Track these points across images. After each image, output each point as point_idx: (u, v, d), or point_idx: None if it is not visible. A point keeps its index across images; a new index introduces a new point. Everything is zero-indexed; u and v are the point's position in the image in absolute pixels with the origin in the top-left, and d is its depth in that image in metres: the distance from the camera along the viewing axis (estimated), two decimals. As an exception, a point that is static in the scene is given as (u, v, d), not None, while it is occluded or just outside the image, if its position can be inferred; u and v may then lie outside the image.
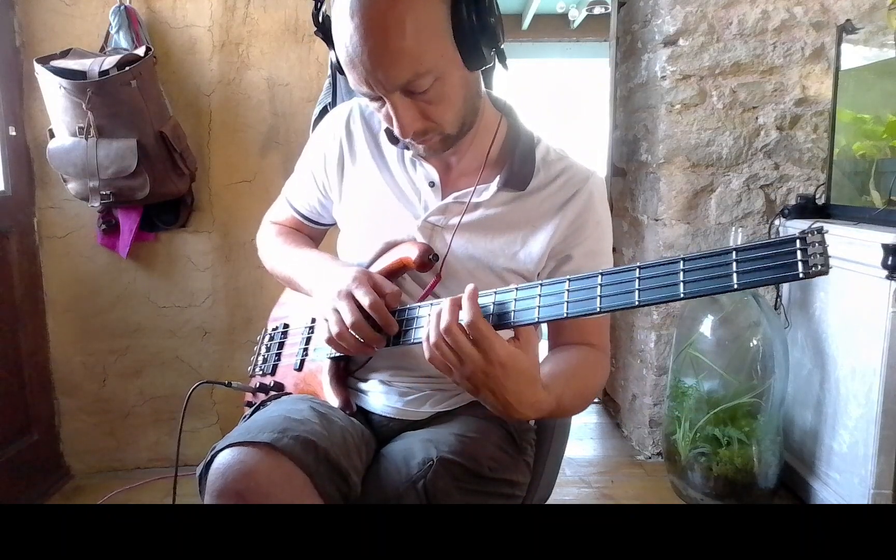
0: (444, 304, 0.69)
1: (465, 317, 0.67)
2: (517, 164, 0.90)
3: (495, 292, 0.73)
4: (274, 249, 1.06)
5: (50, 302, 2.08)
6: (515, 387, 0.69)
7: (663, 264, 0.58)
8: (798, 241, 0.50)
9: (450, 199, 0.90)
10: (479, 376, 0.68)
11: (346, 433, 0.84)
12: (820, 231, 0.50)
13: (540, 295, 0.68)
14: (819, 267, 0.49)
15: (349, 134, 0.97)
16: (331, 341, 0.83)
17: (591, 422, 2.62)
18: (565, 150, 0.95)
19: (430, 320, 0.71)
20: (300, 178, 1.06)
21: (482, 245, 0.90)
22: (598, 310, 0.63)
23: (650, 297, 0.59)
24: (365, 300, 0.80)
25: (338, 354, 0.93)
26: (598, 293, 0.63)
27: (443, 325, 0.68)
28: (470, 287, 0.69)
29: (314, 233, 1.10)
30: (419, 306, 0.81)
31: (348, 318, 0.80)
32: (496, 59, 0.80)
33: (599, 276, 0.63)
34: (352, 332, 0.80)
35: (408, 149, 0.92)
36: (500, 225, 0.90)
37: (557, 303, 0.66)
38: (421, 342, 0.76)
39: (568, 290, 0.65)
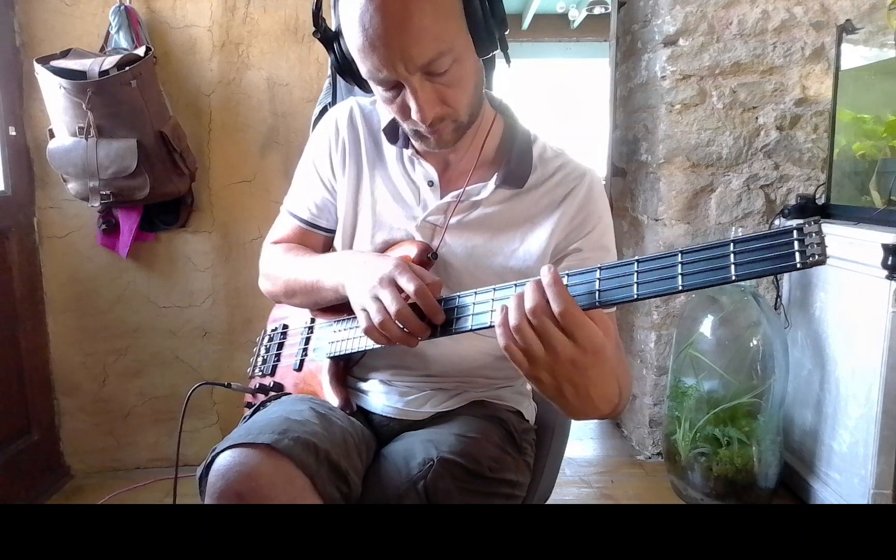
0: (527, 285, 0.63)
1: (555, 305, 0.61)
2: (514, 161, 0.90)
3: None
4: (286, 264, 0.99)
5: (50, 302, 2.08)
6: (601, 379, 0.64)
7: (661, 257, 0.58)
8: (795, 232, 0.51)
9: (449, 197, 0.90)
10: (566, 368, 0.61)
11: (347, 434, 0.84)
12: (817, 221, 0.50)
13: (474, 302, 0.68)
14: (816, 257, 0.49)
15: (352, 131, 0.97)
16: (371, 331, 0.79)
17: (591, 422, 2.62)
18: (562, 148, 0.95)
19: (508, 303, 0.64)
20: (302, 182, 1.02)
21: (481, 244, 0.90)
22: (598, 303, 0.62)
23: (649, 290, 0.59)
24: (410, 287, 0.75)
25: (337, 354, 0.93)
26: (597, 287, 0.63)
27: (529, 306, 0.61)
28: (549, 269, 0.62)
29: (321, 241, 1.04)
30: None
31: (392, 307, 0.75)
32: (500, 49, 0.79)
33: (598, 271, 0.63)
34: (396, 321, 0.76)
35: (407, 147, 0.92)
36: (498, 223, 0.90)
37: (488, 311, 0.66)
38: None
39: (567, 285, 0.65)
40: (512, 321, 0.62)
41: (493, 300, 0.72)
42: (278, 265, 1.00)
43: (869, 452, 1.62)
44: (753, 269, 0.53)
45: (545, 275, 0.62)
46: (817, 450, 1.86)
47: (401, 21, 0.70)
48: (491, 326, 0.70)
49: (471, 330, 0.73)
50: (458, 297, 0.76)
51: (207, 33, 2.00)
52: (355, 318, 0.92)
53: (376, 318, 0.76)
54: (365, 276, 0.80)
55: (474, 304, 0.74)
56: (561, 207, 0.89)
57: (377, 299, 0.77)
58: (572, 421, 1.12)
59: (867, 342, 1.62)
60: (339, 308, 0.95)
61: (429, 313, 0.75)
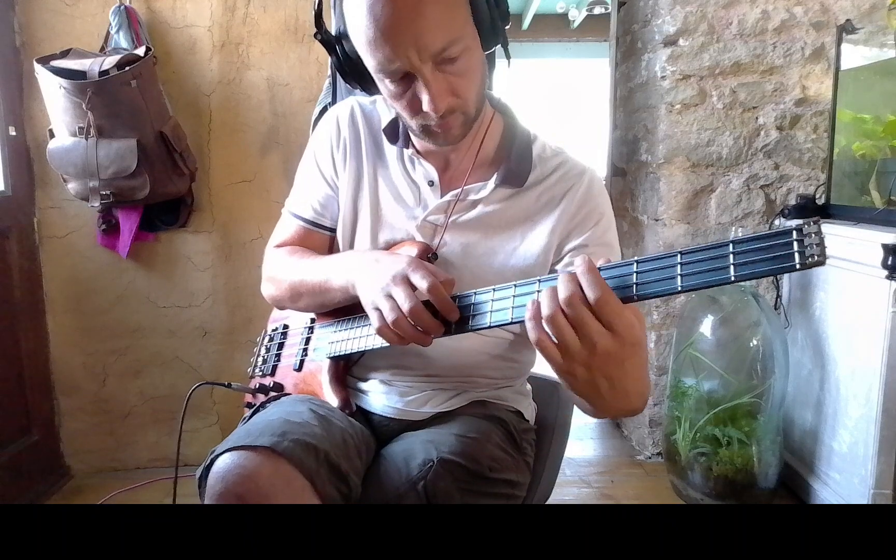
0: (561, 275, 0.60)
1: (591, 293, 0.58)
2: (514, 160, 0.90)
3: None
4: (291, 267, 0.96)
5: (50, 302, 2.08)
6: (636, 371, 0.61)
7: (660, 258, 0.58)
8: (794, 233, 0.51)
9: (448, 196, 0.90)
10: (602, 361, 0.59)
11: (346, 435, 0.84)
12: (816, 222, 0.50)
13: (538, 291, 0.67)
14: (815, 257, 0.49)
15: (353, 129, 0.97)
16: (383, 330, 0.77)
17: (591, 422, 2.61)
18: (562, 147, 0.95)
19: (540, 295, 0.61)
20: (304, 181, 1.01)
21: (481, 242, 0.90)
22: None
23: (648, 291, 0.59)
24: (423, 284, 0.73)
25: (337, 354, 0.93)
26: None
27: (563, 295, 0.58)
28: (584, 259, 0.60)
29: (325, 241, 1.01)
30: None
31: (406, 304, 0.73)
32: (502, 44, 0.80)
33: (537, 283, 0.62)
34: (409, 319, 0.74)
35: (407, 147, 0.92)
36: (498, 222, 0.90)
37: (506, 307, 0.65)
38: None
39: (514, 295, 0.64)
40: (545, 311, 0.59)
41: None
42: (283, 268, 0.98)
43: (869, 452, 1.62)
44: (753, 269, 0.53)
45: (579, 264, 0.60)
46: (817, 450, 1.86)
47: (412, 9, 0.70)
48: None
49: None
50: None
51: (207, 33, 2.00)
52: (356, 318, 0.92)
53: (390, 317, 0.75)
54: (377, 275, 0.79)
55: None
56: (561, 204, 0.89)
57: (390, 297, 0.75)
58: (572, 421, 1.13)
59: (867, 342, 1.62)
60: (346, 310, 0.94)
61: (443, 310, 0.74)
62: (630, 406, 0.65)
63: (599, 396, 0.62)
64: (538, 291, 0.65)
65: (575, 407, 1.14)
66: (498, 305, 0.71)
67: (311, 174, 1.00)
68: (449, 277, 0.77)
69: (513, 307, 0.69)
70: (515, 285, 0.70)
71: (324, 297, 0.91)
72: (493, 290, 0.72)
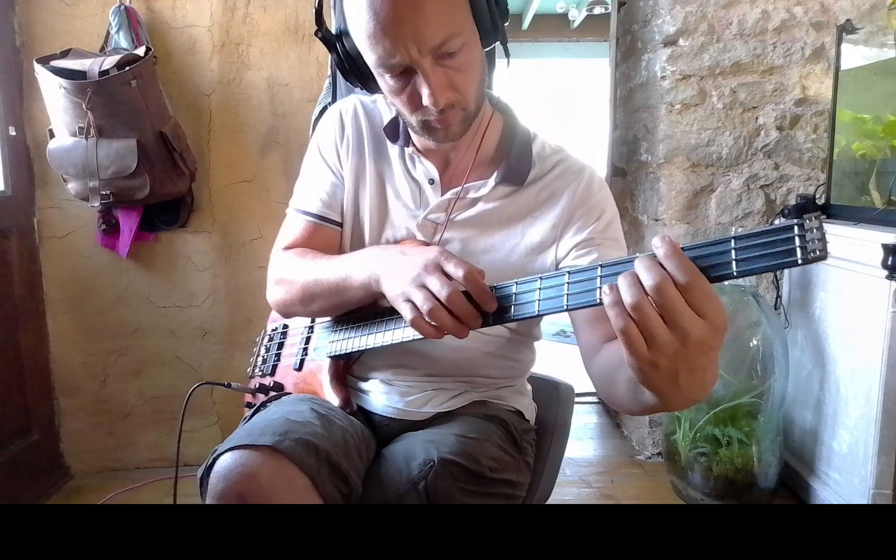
0: (640, 259, 0.54)
1: (681, 277, 0.52)
2: (514, 159, 0.91)
3: (516, 282, 0.69)
4: (303, 268, 0.92)
5: (50, 302, 2.07)
6: (716, 361, 0.56)
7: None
8: (796, 228, 0.50)
9: (449, 195, 0.90)
10: (693, 350, 0.53)
11: (347, 434, 0.84)
12: (818, 217, 0.50)
13: (540, 288, 0.67)
14: (817, 252, 0.49)
15: (356, 126, 0.97)
16: (418, 322, 0.73)
17: (591, 422, 2.62)
18: (561, 145, 0.95)
19: (619, 281, 0.55)
20: (309, 177, 1.00)
21: (481, 240, 0.90)
22: (598, 301, 0.61)
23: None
24: (458, 272, 0.70)
25: (338, 353, 0.93)
26: (598, 285, 0.61)
27: (651, 281, 0.52)
28: (664, 239, 0.54)
29: (334, 237, 0.98)
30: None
31: (443, 292, 0.70)
32: (501, 42, 0.80)
33: (599, 268, 0.61)
34: (447, 307, 0.70)
35: (408, 146, 0.92)
36: (498, 219, 0.90)
37: (558, 295, 0.65)
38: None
39: (567, 283, 0.64)
40: (628, 299, 0.53)
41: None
42: (294, 270, 0.93)
43: (869, 452, 1.62)
44: (755, 265, 0.52)
45: (660, 246, 0.54)
46: (817, 450, 1.86)
47: (412, 3, 0.70)
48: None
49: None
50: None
51: (207, 33, 2.00)
52: (356, 317, 0.92)
53: (424, 307, 0.71)
54: (406, 266, 0.75)
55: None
56: (562, 200, 0.89)
57: (424, 287, 0.72)
58: (572, 421, 1.13)
59: (867, 342, 1.62)
60: (360, 309, 0.91)
61: (480, 299, 0.70)
62: (701, 397, 0.59)
63: (676, 389, 0.56)
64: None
65: (575, 407, 1.15)
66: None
67: (317, 167, 0.98)
68: (480, 269, 0.73)
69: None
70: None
71: (341, 296, 0.87)
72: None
